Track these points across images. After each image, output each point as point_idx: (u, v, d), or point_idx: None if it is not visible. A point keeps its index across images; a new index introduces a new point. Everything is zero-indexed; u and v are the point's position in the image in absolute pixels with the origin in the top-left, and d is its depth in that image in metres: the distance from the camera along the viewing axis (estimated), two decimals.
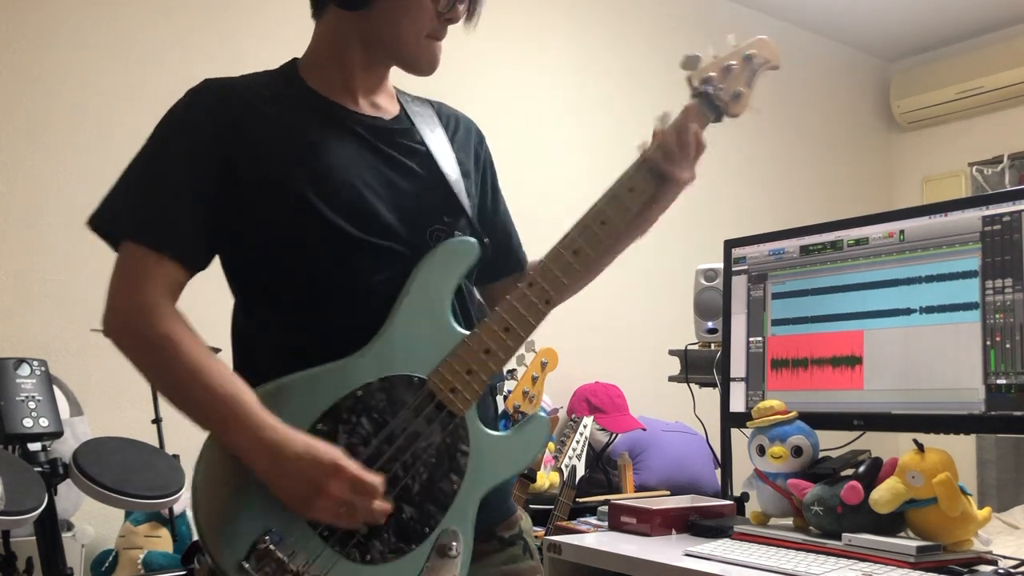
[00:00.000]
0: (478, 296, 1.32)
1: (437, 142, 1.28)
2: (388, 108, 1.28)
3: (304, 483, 1.05)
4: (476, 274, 1.28)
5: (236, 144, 1.15)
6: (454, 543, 1.12)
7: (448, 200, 1.24)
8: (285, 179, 1.15)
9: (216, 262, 1.23)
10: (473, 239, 1.21)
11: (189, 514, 2.30)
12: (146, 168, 1.16)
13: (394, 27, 1.19)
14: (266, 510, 1.07)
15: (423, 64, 1.23)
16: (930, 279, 1.60)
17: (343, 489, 1.05)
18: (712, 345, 2.37)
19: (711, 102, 1.31)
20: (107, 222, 1.15)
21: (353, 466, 1.06)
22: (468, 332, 1.17)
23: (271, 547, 1.06)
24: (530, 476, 2.42)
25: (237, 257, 1.20)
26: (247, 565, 1.05)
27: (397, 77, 1.32)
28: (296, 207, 1.15)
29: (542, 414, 1.22)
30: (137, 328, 1.11)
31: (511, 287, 1.21)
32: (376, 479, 1.07)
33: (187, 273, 1.15)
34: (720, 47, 1.34)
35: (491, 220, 1.35)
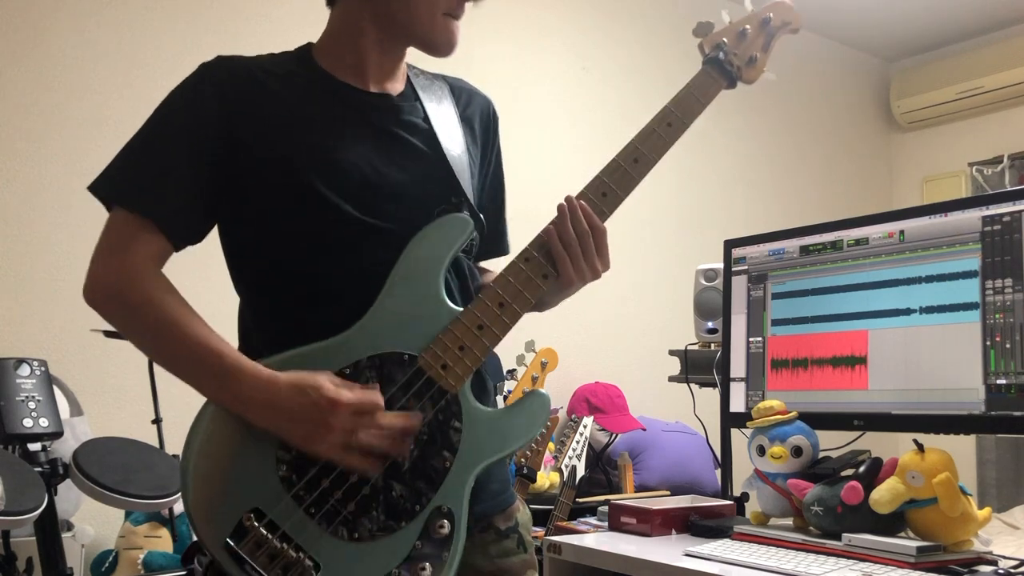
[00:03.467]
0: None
1: (441, 117, 1.27)
2: (395, 85, 1.27)
3: (306, 426, 1.05)
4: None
5: (242, 121, 1.15)
6: (445, 521, 1.10)
7: (450, 181, 1.23)
8: (290, 158, 1.15)
9: (218, 257, 1.23)
10: (466, 216, 1.19)
11: None
12: (146, 137, 1.17)
13: (410, 5, 1.19)
14: (252, 488, 1.07)
15: (441, 43, 1.21)
16: (930, 279, 1.60)
17: (345, 419, 1.04)
18: (712, 345, 2.37)
19: (722, 68, 1.28)
20: (102, 187, 1.15)
21: (347, 394, 1.05)
22: (461, 308, 1.15)
23: (256, 524, 1.05)
24: (530, 476, 2.42)
25: (237, 235, 1.20)
26: (232, 542, 1.05)
27: (413, 58, 1.32)
28: (299, 187, 1.15)
29: (542, 391, 1.19)
30: (119, 291, 1.11)
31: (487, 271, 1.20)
32: (372, 396, 1.06)
33: (173, 244, 1.15)
34: (736, 14, 1.31)
35: (487, 201, 1.34)
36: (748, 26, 1.30)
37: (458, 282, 1.22)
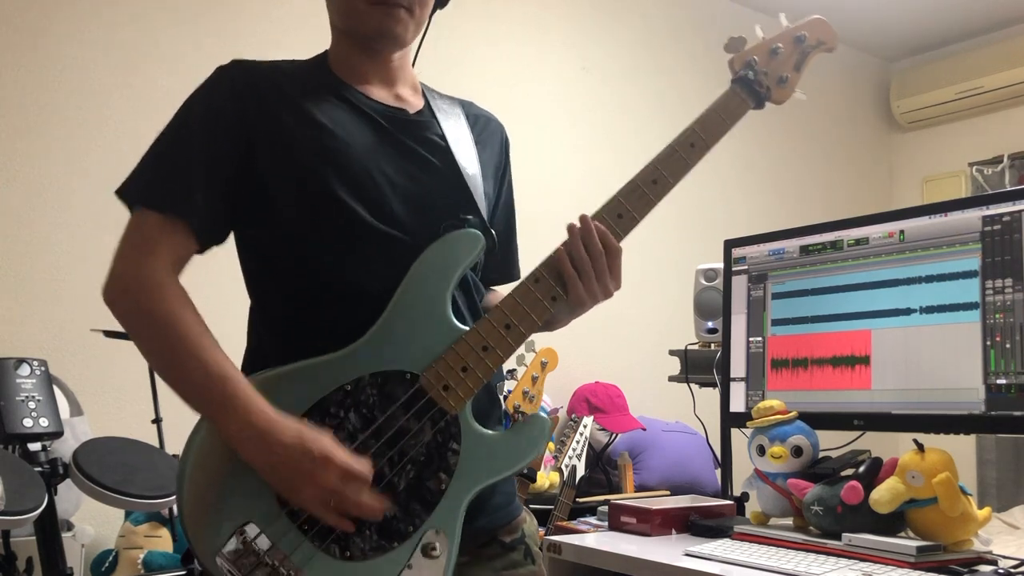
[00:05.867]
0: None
1: (458, 138, 1.26)
2: (412, 101, 1.27)
3: (292, 471, 1.04)
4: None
5: (257, 123, 1.15)
6: (438, 544, 1.09)
7: (463, 196, 1.23)
8: (303, 161, 1.15)
9: (232, 260, 1.23)
10: (478, 232, 1.18)
11: None
12: (168, 141, 1.17)
13: (332, 1, 1.20)
14: (247, 502, 1.06)
15: (368, 32, 1.20)
16: (930, 279, 1.60)
17: (331, 479, 1.04)
18: (712, 345, 2.37)
19: (751, 88, 1.26)
20: (129, 190, 1.15)
21: (342, 456, 1.05)
22: (467, 328, 1.14)
23: (249, 539, 1.05)
24: (530, 476, 2.42)
25: (251, 241, 1.20)
26: (224, 556, 1.04)
27: (425, 76, 1.32)
28: (311, 189, 1.15)
29: (543, 414, 1.19)
30: (138, 299, 1.10)
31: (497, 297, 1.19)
32: (365, 468, 1.05)
33: (196, 244, 1.15)
34: (770, 29, 1.27)
35: (499, 227, 1.33)
36: (781, 44, 1.27)
37: (465, 298, 1.21)
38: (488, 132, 1.34)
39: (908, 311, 1.63)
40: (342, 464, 1.04)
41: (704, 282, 2.43)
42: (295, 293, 1.17)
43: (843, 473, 1.56)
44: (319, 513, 1.06)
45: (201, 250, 1.16)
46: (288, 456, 1.04)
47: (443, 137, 1.25)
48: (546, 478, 2.71)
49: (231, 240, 1.22)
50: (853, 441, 1.72)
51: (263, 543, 1.05)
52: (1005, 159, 4.62)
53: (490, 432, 1.14)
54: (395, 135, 1.21)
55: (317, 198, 1.14)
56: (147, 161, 1.17)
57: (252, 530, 1.06)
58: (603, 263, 1.16)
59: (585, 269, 1.16)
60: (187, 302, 1.12)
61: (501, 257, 1.34)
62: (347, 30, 1.22)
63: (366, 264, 1.15)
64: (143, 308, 1.10)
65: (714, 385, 2.10)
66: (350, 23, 1.21)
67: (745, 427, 1.74)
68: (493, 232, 1.26)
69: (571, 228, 1.17)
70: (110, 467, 1.93)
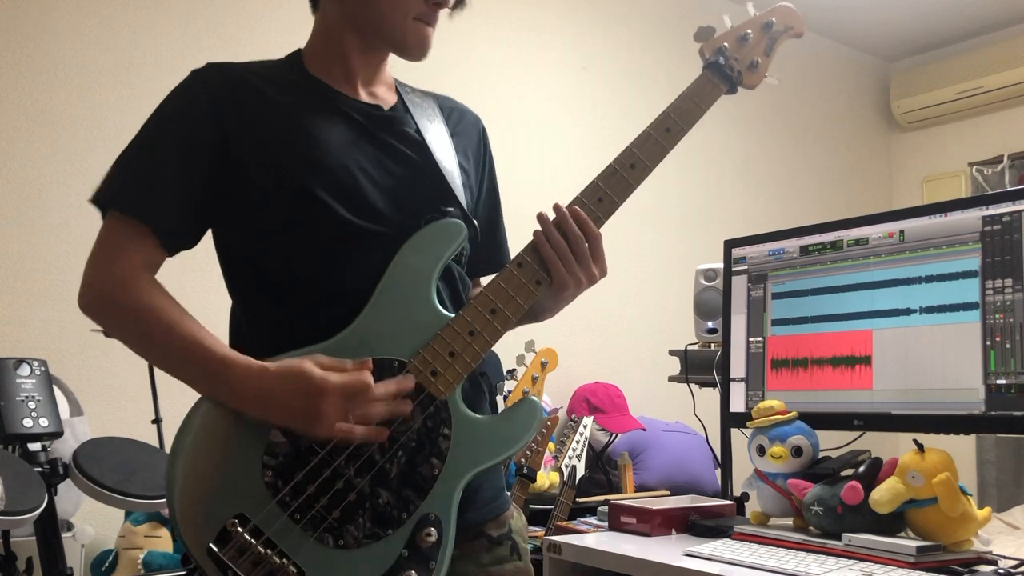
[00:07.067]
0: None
1: (434, 132, 1.27)
2: (386, 98, 1.28)
3: (300, 413, 1.05)
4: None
5: (234, 123, 1.15)
6: (432, 529, 1.09)
7: (443, 189, 1.23)
8: (280, 159, 1.15)
9: (212, 259, 1.23)
10: (459, 222, 1.19)
11: None
12: (139, 144, 1.17)
13: (380, 7, 1.19)
14: (238, 494, 1.06)
15: (411, 46, 1.21)
16: (930, 279, 1.60)
17: (337, 403, 1.04)
18: (712, 345, 2.37)
19: (723, 73, 1.27)
20: (98, 195, 1.16)
21: (335, 378, 1.04)
22: (453, 314, 1.14)
23: (240, 530, 1.05)
24: (530, 476, 2.42)
25: (231, 241, 1.20)
26: (216, 548, 1.04)
27: (401, 72, 1.32)
28: (290, 188, 1.15)
29: (533, 397, 1.18)
30: (113, 298, 1.12)
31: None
32: (360, 376, 1.05)
33: (166, 248, 1.15)
34: (738, 19, 1.30)
35: (483, 216, 1.34)
36: (750, 30, 1.29)
37: (449, 289, 1.21)
38: (464, 124, 1.34)
39: (908, 311, 1.63)
40: (337, 386, 1.04)
41: (704, 282, 2.43)
42: (278, 293, 1.17)
43: (843, 473, 1.56)
44: (349, 436, 1.06)
45: (170, 253, 1.17)
46: (289, 402, 1.05)
47: (418, 131, 1.25)
48: (546, 478, 2.71)
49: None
50: (853, 441, 1.72)
51: (254, 534, 1.05)
52: (1005, 159, 4.62)
53: (481, 416, 1.14)
54: (372, 131, 1.21)
55: (296, 196, 1.14)
56: (118, 166, 1.17)
57: (243, 521, 1.05)
58: (582, 246, 1.17)
59: (563, 252, 1.16)
60: (162, 290, 1.13)
61: (488, 247, 1.35)
62: (383, 39, 1.22)
63: (349, 260, 1.15)
64: (120, 305, 1.12)
65: (714, 385, 2.10)
66: (391, 34, 1.20)
67: (745, 427, 1.74)
68: (475, 222, 1.26)
69: (538, 216, 1.18)
70: (110, 467, 1.93)
